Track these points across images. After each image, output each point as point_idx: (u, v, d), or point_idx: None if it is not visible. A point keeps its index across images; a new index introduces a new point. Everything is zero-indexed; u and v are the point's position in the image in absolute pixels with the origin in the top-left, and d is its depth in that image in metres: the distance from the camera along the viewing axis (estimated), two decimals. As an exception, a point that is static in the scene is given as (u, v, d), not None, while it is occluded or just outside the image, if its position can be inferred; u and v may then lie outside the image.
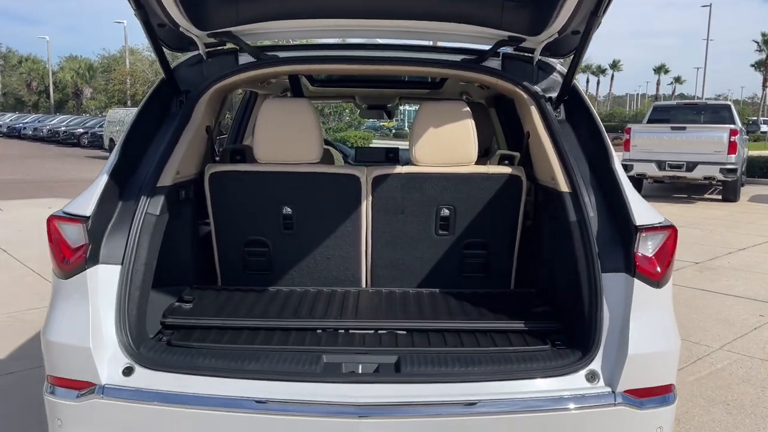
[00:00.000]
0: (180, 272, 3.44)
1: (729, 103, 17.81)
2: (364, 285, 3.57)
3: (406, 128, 46.52)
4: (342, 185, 3.35)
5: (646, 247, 2.67)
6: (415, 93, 6.13)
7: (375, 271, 3.54)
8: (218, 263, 3.54)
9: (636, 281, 2.66)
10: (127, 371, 2.56)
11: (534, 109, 3.23)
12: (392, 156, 6.33)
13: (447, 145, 3.31)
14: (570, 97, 3.20)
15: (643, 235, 2.66)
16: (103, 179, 2.79)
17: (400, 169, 3.32)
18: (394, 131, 44.90)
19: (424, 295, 3.41)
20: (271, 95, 5.54)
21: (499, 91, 3.69)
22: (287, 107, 3.34)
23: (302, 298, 3.35)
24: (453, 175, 3.32)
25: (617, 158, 2.92)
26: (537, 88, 3.24)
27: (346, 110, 28.61)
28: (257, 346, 2.77)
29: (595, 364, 2.63)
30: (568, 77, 3.13)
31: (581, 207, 2.83)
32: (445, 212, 3.41)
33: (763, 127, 36.92)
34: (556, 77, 3.26)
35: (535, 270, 3.48)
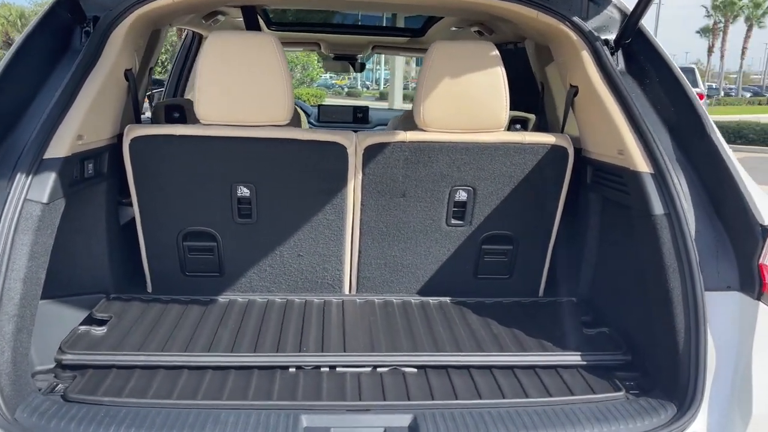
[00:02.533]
0: (91, 277, 2.46)
1: (693, 66, 17.37)
2: (347, 291, 2.66)
3: (359, 86, 44.97)
4: (321, 157, 2.40)
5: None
6: (391, 41, 5.14)
7: (363, 272, 2.63)
8: (146, 263, 2.57)
9: (762, 306, 1.84)
10: None
11: (587, 55, 2.34)
12: (361, 117, 5.37)
13: (469, 103, 2.39)
14: (634, 41, 2.32)
15: None
16: None
17: (402, 135, 2.39)
18: (347, 90, 43.21)
19: (432, 307, 2.53)
20: None
21: (531, 32, 2.77)
22: (244, 44, 2.34)
23: (265, 313, 2.42)
24: (475, 144, 2.41)
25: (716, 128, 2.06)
26: (589, 26, 2.34)
27: (316, 60, 24.41)
28: (202, 402, 1.85)
29: (699, 425, 1.81)
30: (637, 11, 2.23)
31: (672, 195, 1.97)
32: (462, 195, 2.51)
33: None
34: (612, 13, 2.36)
35: (574, 274, 2.63)
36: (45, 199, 1.88)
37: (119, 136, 2.39)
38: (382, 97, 32.57)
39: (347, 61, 5.62)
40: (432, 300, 2.58)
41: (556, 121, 3.16)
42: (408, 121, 3.60)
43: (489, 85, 2.38)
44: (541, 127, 3.28)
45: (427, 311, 2.48)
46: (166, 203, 2.45)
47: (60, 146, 1.98)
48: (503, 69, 2.40)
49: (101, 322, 2.27)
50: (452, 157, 2.42)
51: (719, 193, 1.98)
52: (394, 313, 2.45)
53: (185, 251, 2.54)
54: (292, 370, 2.07)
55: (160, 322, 2.30)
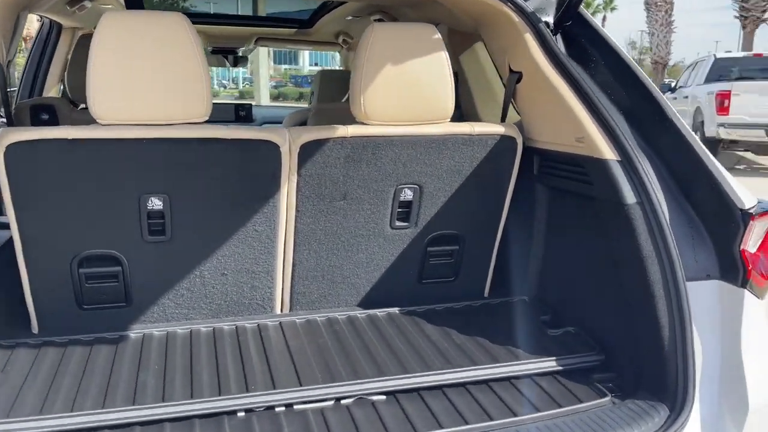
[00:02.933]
0: None
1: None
2: (278, 310, 2.34)
3: (215, 86, 43.01)
4: (249, 159, 2.06)
5: (749, 242, 1.79)
6: (276, 33, 4.79)
7: (297, 287, 2.32)
8: (30, 298, 2.08)
9: (747, 294, 1.78)
10: None
11: (531, 38, 2.19)
12: (245, 115, 4.97)
13: (414, 92, 2.16)
14: (574, 23, 2.21)
15: (756, 223, 1.77)
16: None
17: (343, 130, 2.10)
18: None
19: (382, 320, 2.28)
20: (84, 29, 3.89)
21: (459, 16, 2.59)
22: (149, 24, 1.93)
23: (192, 347, 2.05)
24: (422, 138, 2.19)
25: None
26: (530, 6, 2.20)
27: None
28: None
29: (693, 425, 1.72)
30: None
31: (644, 182, 1.87)
32: (407, 194, 2.27)
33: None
34: None
35: (522, 271, 2.49)
36: None
37: None
38: (242, 96, 31.50)
39: (225, 54, 5.18)
40: (379, 312, 2.33)
41: (472, 112, 3.02)
42: (321, 117, 3.31)
43: (434, 72, 2.16)
44: (456, 119, 3.14)
45: (379, 326, 2.22)
46: (55, 223, 1.99)
47: None
48: (447, 53, 2.20)
49: None
50: (397, 153, 2.18)
51: (689, 178, 1.90)
52: (343, 332, 2.17)
53: (81, 280, 2.09)
54: (241, 414, 1.73)
55: (60, 372, 1.85)
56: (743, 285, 1.75)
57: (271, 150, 2.05)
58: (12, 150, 1.84)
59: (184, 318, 2.23)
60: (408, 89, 2.14)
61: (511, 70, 2.35)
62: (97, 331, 2.10)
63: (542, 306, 2.37)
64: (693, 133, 1.92)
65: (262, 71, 17.32)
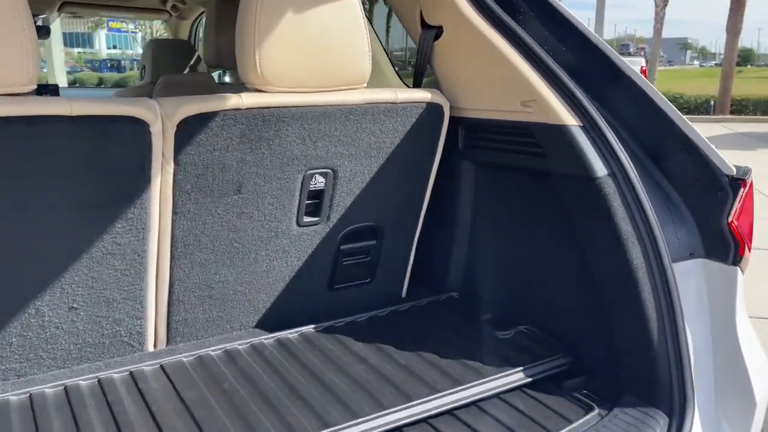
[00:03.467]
0: None
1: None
2: (151, 346, 1.75)
3: None
4: (103, 144, 1.44)
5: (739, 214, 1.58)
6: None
7: (175, 313, 1.74)
8: None
9: (740, 273, 1.56)
10: None
11: None
12: (47, 93, 4.06)
13: (323, 49, 1.66)
14: None
15: (743, 192, 1.55)
16: None
17: (236, 100, 1.55)
18: None
19: (295, 344, 1.78)
20: None
21: None
22: None
23: (38, 422, 1.40)
24: (337, 108, 1.71)
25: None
26: None
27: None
28: None
29: (696, 429, 1.48)
30: None
31: (614, 151, 1.58)
32: (319, 182, 1.79)
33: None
34: None
35: (445, 263, 2.13)
36: None
37: None
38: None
39: None
40: (290, 334, 1.82)
41: None
42: (174, 91, 2.65)
43: (347, 25, 1.69)
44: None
45: (294, 352, 1.72)
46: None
47: None
48: (360, 3, 1.73)
49: None
50: (306, 128, 1.68)
51: (659, 144, 1.64)
52: (251, 367, 1.64)
53: None
54: None
55: None
56: (735, 263, 1.53)
57: (136, 131, 1.45)
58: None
59: (15, 375, 1.56)
60: (316, 47, 1.64)
61: (425, 25, 1.95)
62: None
63: (478, 303, 2.02)
64: (657, 90, 1.66)
65: (56, 52, 15.13)
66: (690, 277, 1.57)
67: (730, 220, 1.53)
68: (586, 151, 1.59)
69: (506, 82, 1.74)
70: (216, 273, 1.74)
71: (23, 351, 1.56)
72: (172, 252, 1.65)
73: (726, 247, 1.55)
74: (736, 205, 1.52)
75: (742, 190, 1.51)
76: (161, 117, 1.48)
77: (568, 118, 1.62)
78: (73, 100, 1.37)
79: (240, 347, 1.74)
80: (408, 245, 2.08)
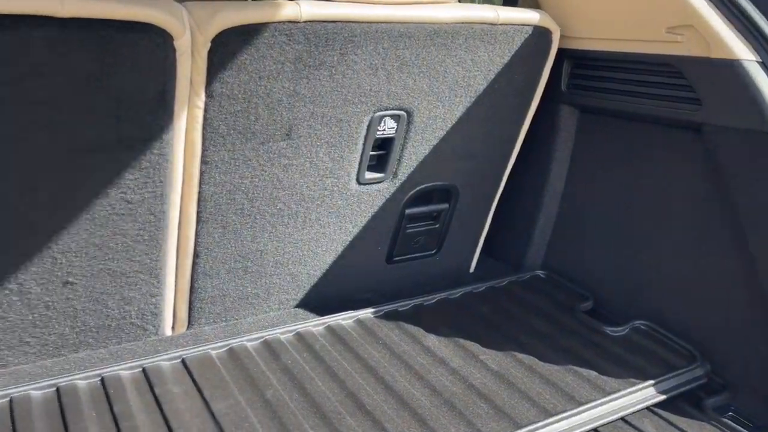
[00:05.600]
0: None
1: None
2: (168, 329, 1.38)
3: None
4: (111, 63, 1.02)
5: None
6: None
7: (202, 290, 1.36)
8: None
9: None
10: None
11: None
12: None
13: None
14: None
15: None
16: None
17: (291, 10, 1.13)
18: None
19: (353, 334, 1.40)
20: None
21: None
22: None
23: None
24: (419, 27, 1.27)
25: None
26: None
27: None
28: None
29: None
30: None
31: None
32: (389, 126, 1.37)
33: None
34: None
35: (527, 232, 1.73)
36: None
37: None
38: None
39: None
40: (343, 320, 1.44)
41: None
42: None
43: None
44: None
45: (357, 349, 1.35)
46: None
47: None
48: None
49: None
50: (380, 54, 1.25)
51: None
52: (299, 369, 1.26)
53: None
54: None
55: None
56: None
57: (156, 45, 1.03)
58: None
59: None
60: None
61: None
62: None
63: (570, 286, 1.63)
64: None
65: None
66: None
67: None
68: (764, 94, 1.17)
69: (645, 2, 1.30)
70: (253, 240, 1.35)
71: (4, 336, 1.19)
72: (198, 213, 1.26)
73: None
74: None
75: None
76: (189, 26, 1.06)
77: (741, 50, 1.19)
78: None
79: (282, 336, 1.36)
80: (485, 211, 1.68)
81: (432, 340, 1.38)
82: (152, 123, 1.10)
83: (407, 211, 1.53)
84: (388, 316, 1.47)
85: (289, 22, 1.13)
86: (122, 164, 1.11)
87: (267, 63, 1.14)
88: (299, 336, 1.37)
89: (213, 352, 1.30)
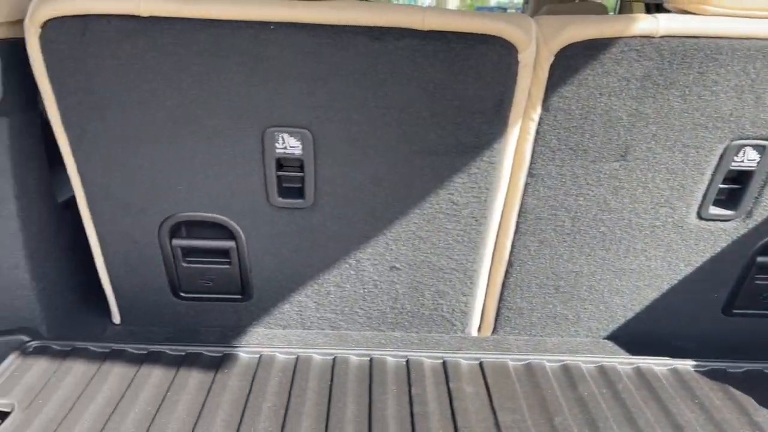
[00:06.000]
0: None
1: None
2: (475, 330, 1.42)
3: None
4: (455, 71, 1.09)
5: None
6: None
7: (508, 299, 1.37)
8: (107, 275, 1.35)
9: None
10: None
11: None
12: None
13: None
14: None
15: None
16: None
17: (647, 24, 1.06)
18: None
19: (668, 382, 1.26)
20: None
21: None
22: None
23: (332, 392, 1.19)
24: None
25: None
26: None
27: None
28: None
29: None
30: None
31: None
32: (750, 158, 1.19)
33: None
34: None
35: None
36: None
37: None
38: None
39: None
40: (656, 365, 1.31)
41: None
42: None
43: None
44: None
45: (665, 398, 1.21)
46: (127, 163, 1.19)
47: None
48: None
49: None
50: (750, 74, 1.09)
51: None
52: (593, 404, 1.19)
53: (176, 256, 1.31)
54: None
55: (124, 405, 1.09)
56: None
57: (500, 56, 1.07)
58: (52, 29, 1.05)
59: (328, 326, 1.39)
60: None
61: None
62: (198, 338, 1.33)
63: None
64: None
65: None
66: None
67: None
68: None
69: None
70: (569, 260, 1.31)
71: (338, 303, 1.37)
72: (518, 224, 1.27)
73: None
74: None
75: None
76: (537, 41, 1.07)
77: None
78: (427, 11, 1.05)
79: (584, 366, 1.29)
80: None
81: (764, 415, 1.16)
82: (486, 131, 1.14)
83: (759, 259, 1.31)
84: (713, 375, 1.28)
85: (643, 37, 1.05)
86: (454, 168, 1.19)
87: (610, 79, 1.09)
88: (602, 369, 1.28)
89: (511, 363, 1.30)
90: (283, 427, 1.09)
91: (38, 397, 1.13)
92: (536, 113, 1.13)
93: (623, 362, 1.30)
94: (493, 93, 1.10)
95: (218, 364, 1.26)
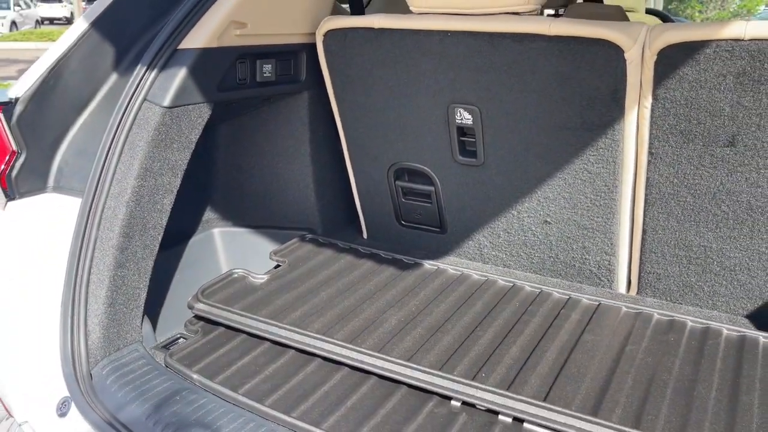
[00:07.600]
0: (295, 211, 2.03)
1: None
2: (623, 288, 1.68)
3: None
4: (578, 66, 1.44)
5: None
6: None
7: (648, 264, 1.61)
8: (359, 202, 2.02)
9: None
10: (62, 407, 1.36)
11: None
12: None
13: None
14: None
15: None
16: (68, 38, 1.48)
17: (735, 30, 1.25)
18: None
19: None
20: None
21: None
22: None
23: (497, 303, 1.64)
24: None
25: None
26: None
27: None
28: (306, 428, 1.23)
29: None
30: None
31: None
32: None
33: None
34: None
35: None
36: (166, 102, 1.44)
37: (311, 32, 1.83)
38: None
39: None
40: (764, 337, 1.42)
41: None
42: None
43: None
44: None
45: None
46: (369, 126, 1.82)
47: (201, 34, 1.50)
48: None
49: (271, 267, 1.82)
50: None
51: None
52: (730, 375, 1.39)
53: (398, 194, 1.90)
54: (455, 404, 1.28)
55: (333, 283, 1.72)
56: None
57: (610, 57, 1.38)
58: (328, 37, 1.73)
59: (502, 264, 1.82)
60: None
61: None
62: (414, 254, 1.89)
63: None
64: None
65: None
66: None
67: None
68: None
69: None
70: (696, 234, 1.50)
71: (508, 246, 1.79)
72: (646, 195, 1.52)
73: None
74: None
75: None
76: (642, 43, 1.35)
77: None
78: (553, 21, 1.42)
79: (726, 332, 1.46)
80: None
81: None
82: (605, 114, 1.45)
83: None
84: None
85: (732, 40, 1.25)
86: (584, 142, 1.51)
87: (708, 75, 1.30)
88: (743, 339, 1.43)
89: (656, 316, 1.54)
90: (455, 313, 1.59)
91: (300, 261, 1.84)
92: (648, 101, 1.40)
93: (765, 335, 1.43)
94: (607, 83, 1.41)
95: (425, 274, 1.79)
